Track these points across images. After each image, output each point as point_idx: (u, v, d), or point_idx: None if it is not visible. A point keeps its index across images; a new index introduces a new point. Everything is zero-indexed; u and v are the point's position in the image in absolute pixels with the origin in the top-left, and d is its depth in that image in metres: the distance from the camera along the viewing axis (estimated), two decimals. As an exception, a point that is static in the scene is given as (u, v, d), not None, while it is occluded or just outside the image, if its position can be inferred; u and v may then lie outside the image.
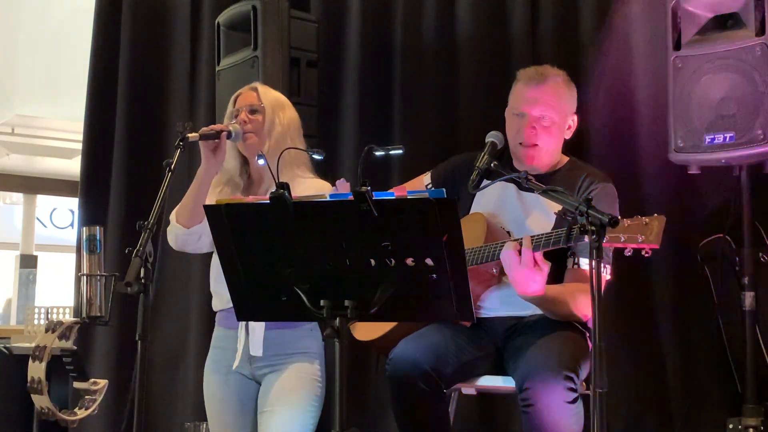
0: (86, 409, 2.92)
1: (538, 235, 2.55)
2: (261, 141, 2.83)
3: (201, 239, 2.82)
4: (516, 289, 2.56)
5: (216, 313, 2.95)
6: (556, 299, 2.63)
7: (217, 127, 2.76)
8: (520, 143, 2.82)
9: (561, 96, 2.84)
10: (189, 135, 2.59)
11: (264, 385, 2.81)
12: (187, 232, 2.80)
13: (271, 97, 2.91)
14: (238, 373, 2.83)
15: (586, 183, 2.81)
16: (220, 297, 2.88)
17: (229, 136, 2.77)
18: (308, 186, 2.80)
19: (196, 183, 2.78)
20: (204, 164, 2.76)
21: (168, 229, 2.86)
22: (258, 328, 2.77)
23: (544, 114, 2.79)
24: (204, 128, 2.74)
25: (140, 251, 2.25)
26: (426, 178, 3.06)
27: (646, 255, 2.31)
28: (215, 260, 2.82)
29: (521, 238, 2.54)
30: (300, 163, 2.87)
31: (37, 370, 2.84)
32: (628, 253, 2.32)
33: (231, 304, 2.32)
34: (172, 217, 2.83)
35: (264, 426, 2.75)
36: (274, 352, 2.78)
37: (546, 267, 2.51)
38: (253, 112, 2.86)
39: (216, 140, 2.73)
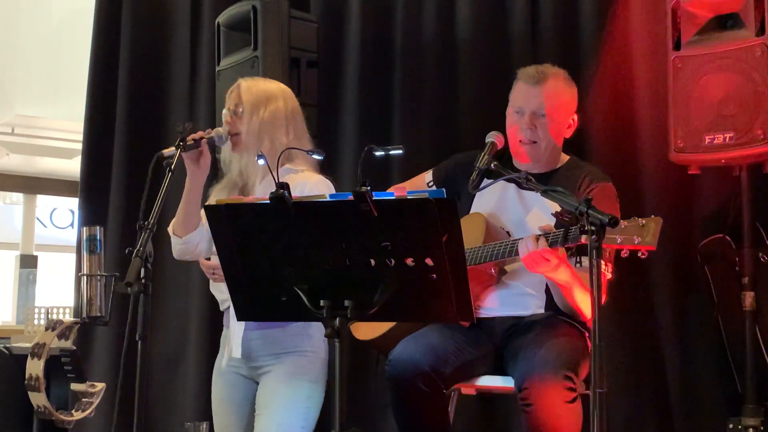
0: (83, 411, 2.92)
1: (541, 235, 2.55)
2: (241, 141, 2.76)
3: (198, 246, 2.79)
4: (528, 268, 2.56)
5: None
6: (572, 287, 2.63)
7: (197, 135, 2.65)
8: (520, 141, 2.83)
9: (560, 94, 2.84)
10: (164, 152, 2.49)
11: (260, 386, 2.79)
12: (182, 242, 2.77)
13: (253, 93, 2.80)
14: (238, 374, 2.82)
15: (585, 182, 2.81)
16: (217, 298, 2.88)
17: (212, 142, 2.70)
18: (299, 180, 2.73)
19: (185, 193, 2.73)
20: (189, 174, 2.70)
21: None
22: (237, 328, 2.73)
23: (543, 112, 2.80)
24: (190, 137, 2.62)
25: (140, 251, 2.25)
26: (428, 176, 3.07)
27: (643, 257, 2.30)
28: (215, 262, 2.80)
29: (540, 234, 2.53)
30: (293, 157, 2.77)
31: (35, 367, 2.84)
32: (624, 254, 2.32)
33: (226, 305, 2.31)
34: (170, 228, 2.79)
35: (256, 428, 2.74)
36: (263, 352, 2.74)
37: (560, 254, 2.51)
38: (236, 111, 2.78)
39: (198, 149, 2.64)
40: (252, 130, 2.75)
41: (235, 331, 2.74)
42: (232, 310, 2.55)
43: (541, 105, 2.80)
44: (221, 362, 2.83)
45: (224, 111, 2.82)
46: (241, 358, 2.75)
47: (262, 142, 2.73)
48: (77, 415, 2.91)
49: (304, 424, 2.71)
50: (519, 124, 2.82)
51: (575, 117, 2.90)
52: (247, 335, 2.72)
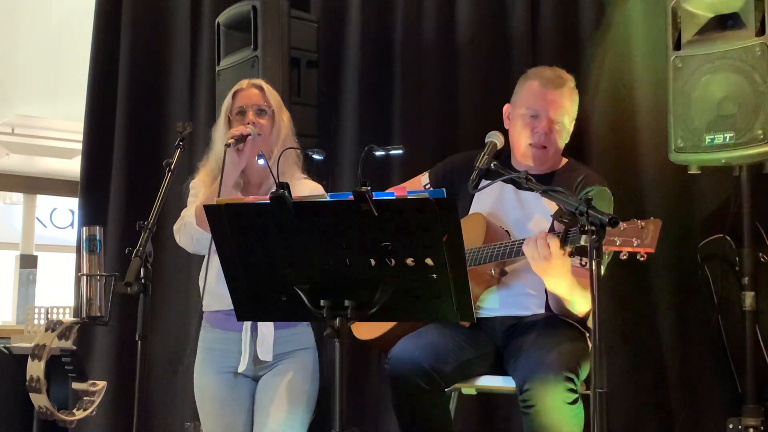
0: (84, 410, 2.92)
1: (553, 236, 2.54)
2: (266, 143, 2.82)
3: None
4: (538, 272, 2.55)
5: (205, 314, 2.91)
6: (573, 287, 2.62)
7: (240, 130, 2.74)
8: (531, 144, 2.82)
9: (573, 102, 2.86)
10: (229, 140, 2.66)
11: (263, 381, 2.81)
12: (208, 236, 2.78)
13: (275, 97, 2.91)
14: (239, 374, 2.83)
15: (581, 185, 2.80)
16: (221, 298, 2.86)
17: (246, 138, 2.76)
18: (304, 187, 2.84)
19: (225, 182, 2.73)
20: (230, 168, 2.73)
21: (181, 231, 2.83)
22: (267, 333, 2.78)
23: (559, 119, 2.81)
24: (232, 131, 2.74)
25: (140, 251, 2.25)
26: (424, 178, 3.06)
27: (642, 259, 2.30)
28: (216, 260, 2.80)
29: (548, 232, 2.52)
30: (293, 164, 2.88)
31: (36, 368, 2.84)
32: (623, 256, 2.31)
33: (232, 306, 2.30)
34: (190, 220, 2.78)
35: (263, 424, 2.75)
36: (275, 351, 2.79)
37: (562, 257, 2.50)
38: (259, 112, 2.85)
39: (243, 143, 2.73)
40: (282, 132, 2.86)
41: (265, 337, 2.78)
42: None
43: (558, 111, 2.80)
44: (230, 364, 2.83)
45: (235, 105, 2.85)
46: (253, 360, 2.80)
47: (288, 145, 2.83)
48: (79, 414, 2.91)
49: (309, 416, 2.80)
50: (533, 127, 2.81)
51: (574, 123, 2.92)
52: (267, 337, 2.78)
